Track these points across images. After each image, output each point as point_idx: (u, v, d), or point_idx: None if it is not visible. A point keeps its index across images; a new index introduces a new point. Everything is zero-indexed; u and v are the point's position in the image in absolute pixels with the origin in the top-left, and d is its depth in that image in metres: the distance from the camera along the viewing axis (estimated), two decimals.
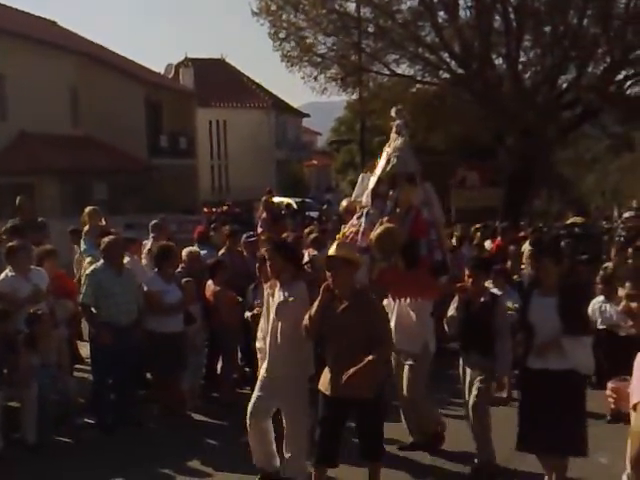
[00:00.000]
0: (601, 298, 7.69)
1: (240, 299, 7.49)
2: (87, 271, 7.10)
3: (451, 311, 5.69)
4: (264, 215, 13.38)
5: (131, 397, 6.97)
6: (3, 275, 6.83)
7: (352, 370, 4.52)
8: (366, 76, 19.41)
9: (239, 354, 7.85)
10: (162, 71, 34.00)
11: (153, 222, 9.48)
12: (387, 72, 19.63)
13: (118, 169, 24.48)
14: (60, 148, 22.26)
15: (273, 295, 5.24)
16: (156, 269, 7.18)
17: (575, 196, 29.43)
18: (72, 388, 6.82)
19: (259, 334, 5.53)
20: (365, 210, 6.03)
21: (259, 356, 5.55)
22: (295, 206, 24.54)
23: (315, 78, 19.07)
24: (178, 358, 6.93)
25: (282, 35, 18.69)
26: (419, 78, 19.96)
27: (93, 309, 6.76)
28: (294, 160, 41.62)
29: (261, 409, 5.24)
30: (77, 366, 7.85)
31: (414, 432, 6.08)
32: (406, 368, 5.89)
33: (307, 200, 29.50)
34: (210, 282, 7.54)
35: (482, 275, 5.74)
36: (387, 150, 6.14)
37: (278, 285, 5.16)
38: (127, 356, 6.67)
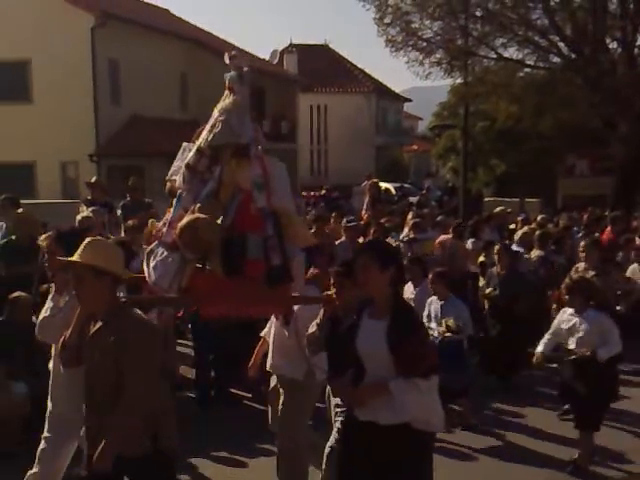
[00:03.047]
0: None
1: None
2: None
3: (312, 328, 4.35)
4: (367, 199, 13.46)
5: (228, 375, 7.16)
6: None
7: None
8: (472, 60, 19.01)
9: None
10: (268, 57, 34.58)
11: None
12: (494, 56, 19.16)
13: None
14: (168, 132, 23.08)
15: None
16: None
17: None
18: (175, 362, 7.11)
19: None
20: (178, 193, 4.36)
21: None
22: (394, 191, 24.44)
23: (420, 63, 18.85)
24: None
25: (387, 20, 18.59)
26: (528, 62, 19.39)
27: None
28: (394, 145, 41.39)
29: None
30: (179, 341, 8.19)
31: None
32: (281, 399, 4.88)
33: (406, 185, 29.32)
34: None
35: (348, 284, 4.15)
36: (214, 112, 4.41)
37: None
38: (228, 334, 6.83)
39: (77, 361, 3.65)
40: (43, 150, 21.59)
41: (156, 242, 4.18)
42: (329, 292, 4.37)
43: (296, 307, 4.56)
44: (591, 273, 7.40)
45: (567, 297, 5.88)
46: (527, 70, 19.91)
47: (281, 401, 4.87)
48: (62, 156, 21.96)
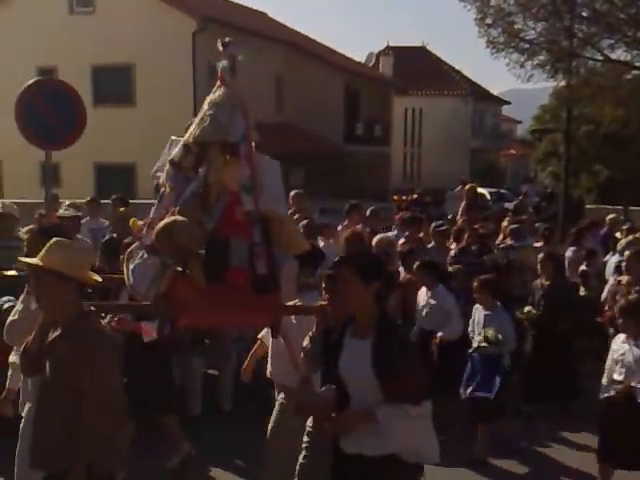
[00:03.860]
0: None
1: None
2: None
3: (305, 341, 3.94)
4: (463, 203, 13.16)
5: None
6: None
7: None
8: (576, 62, 18.30)
9: None
10: (364, 60, 34.57)
11: (347, 206, 9.57)
12: (600, 58, 18.37)
13: (314, 155, 25.29)
14: (263, 134, 23.34)
15: None
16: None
17: None
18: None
19: None
20: (161, 191, 4.03)
21: None
22: (489, 196, 23.86)
23: (521, 65, 18.29)
24: None
25: (489, 21, 18.16)
26: (637, 64, 18.47)
27: None
28: (491, 149, 40.46)
29: None
30: None
31: None
32: (276, 407, 4.60)
33: (502, 191, 28.57)
34: (401, 269, 7.50)
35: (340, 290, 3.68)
36: (204, 105, 4.02)
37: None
38: None
39: (37, 369, 3.39)
40: (144, 152, 22.34)
41: (137, 244, 3.91)
42: (323, 302, 3.90)
43: (293, 318, 4.26)
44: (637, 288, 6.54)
45: (621, 321, 5.12)
46: (635, 72, 19.00)
47: (277, 408, 4.57)
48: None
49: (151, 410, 5.43)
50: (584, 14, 17.95)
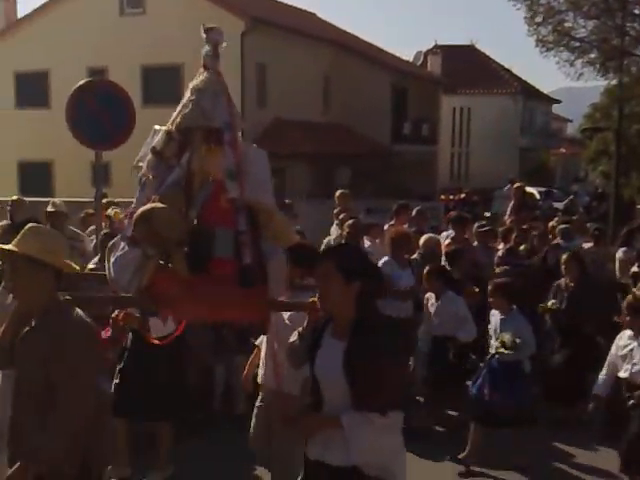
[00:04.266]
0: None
1: (477, 289, 7.28)
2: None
3: (293, 337, 3.57)
4: (512, 203, 13.00)
5: None
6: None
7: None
8: (628, 60, 17.90)
9: None
10: (411, 59, 34.39)
11: (395, 206, 9.56)
12: None
13: (361, 154, 25.26)
14: (310, 134, 23.51)
15: None
16: (390, 254, 7.12)
17: None
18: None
19: None
20: (143, 180, 3.86)
21: None
22: (538, 196, 23.49)
23: (571, 63, 18.03)
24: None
25: (539, 19, 17.93)
26: None
27: None
28: (540, 148, 39.79)
29: None
30: None
31: None
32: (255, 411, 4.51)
33: (552, 190, 28.09)
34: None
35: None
36: (186, 92, 3.86)
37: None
38: None
39: (9, 363, 3.25)
40: None
41: (119, 236, 3.77)
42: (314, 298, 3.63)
43: (286, 314, 4.16)
44: None
45: (628, 318, 5.00)
46: None
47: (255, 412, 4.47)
48: None
49: (155, 414, 5.24)
50: (636, 11, 17.60)
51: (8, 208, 8.47)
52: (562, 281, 7.13)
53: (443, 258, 7.51)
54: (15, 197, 9.02)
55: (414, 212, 9.49)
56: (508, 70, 39.62)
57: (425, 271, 6.50)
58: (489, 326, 6.10)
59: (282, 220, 3.96)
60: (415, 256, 7.50)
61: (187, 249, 3.53)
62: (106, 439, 3.26)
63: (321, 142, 23.71)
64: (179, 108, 3.78)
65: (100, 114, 6.89)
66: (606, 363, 5.22)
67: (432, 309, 6.49)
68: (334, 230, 8.94)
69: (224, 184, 3.63)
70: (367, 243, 7.66)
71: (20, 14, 26.05)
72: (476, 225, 8.91)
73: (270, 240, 3.68)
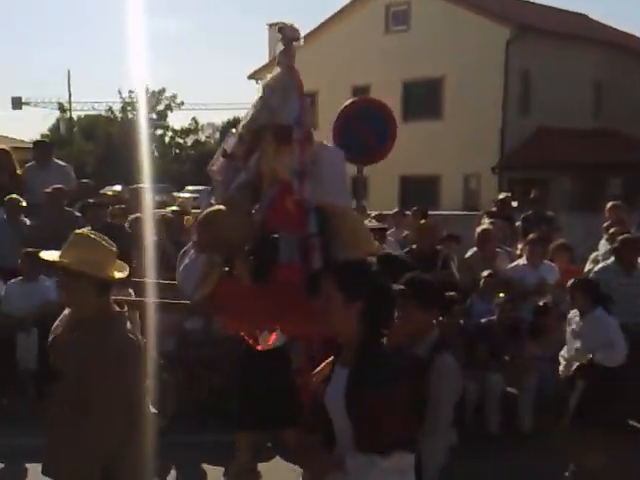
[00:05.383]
0: None
1: None
2: (595, 268, 7.03)
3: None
4: None
5: None
6: (516, 263, 7.40)
7: None
8: None
9: None
10: None
11: None
12: None
13: (635, 163, 23.24)
14: (577, 142, 22.20)
15: None
16: None
17: None
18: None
19: None
20: (212, 184, 3.78)
21: None
22: None
23: None
24: None
25: None
26: None
27: None
28: None
29: None
30: None
31: None
32: None
33: None
34: None
35: (412, 306, 3.23)
36: (259, 91, 3.71)
37: None
38: None
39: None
40: (448, 163, 22.64)
41: (190, 243, 3.66)
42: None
43: None
44: None
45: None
46: None
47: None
48: (466, 169, 22.75)
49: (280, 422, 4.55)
50: None
51: None
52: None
53: None
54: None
55: None
56: None
57: (569, 284, 5.65)
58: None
59: (359, 225, 3.70)
60: None
61: (252, 257, 3.38)
62: (129, 468, 3.04)
63: (589, 150, 22.27)
64: (250, 109, 3.66)
65: (364, 131, 7.14)
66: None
67: (575, 326, 5.59)
68: (602, 245, 8.40)
69: (291, 185, 3.43)
70: None
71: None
72: None
73: (342, 247, 3.37)
